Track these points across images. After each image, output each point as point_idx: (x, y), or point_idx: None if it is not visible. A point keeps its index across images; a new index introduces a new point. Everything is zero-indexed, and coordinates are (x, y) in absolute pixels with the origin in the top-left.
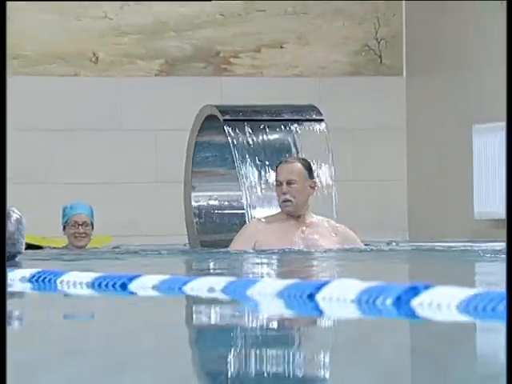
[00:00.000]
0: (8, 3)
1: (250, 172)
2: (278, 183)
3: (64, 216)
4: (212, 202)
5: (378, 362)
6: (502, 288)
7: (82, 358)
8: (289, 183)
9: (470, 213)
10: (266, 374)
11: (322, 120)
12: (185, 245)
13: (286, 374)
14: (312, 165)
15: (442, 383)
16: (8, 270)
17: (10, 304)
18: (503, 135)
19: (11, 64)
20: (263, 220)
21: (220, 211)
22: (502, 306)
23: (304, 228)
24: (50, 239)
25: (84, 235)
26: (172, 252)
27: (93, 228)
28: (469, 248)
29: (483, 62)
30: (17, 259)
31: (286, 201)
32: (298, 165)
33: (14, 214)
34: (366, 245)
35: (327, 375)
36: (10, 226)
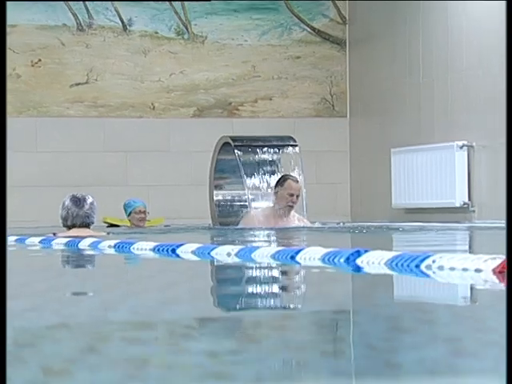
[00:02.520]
0: (94, 70)
1: (250, 178)
2: (291, 194)
3: (130, 207)
4: (227, 197)
5: (333, 294)
6: (414, 251)
7: (143, 294)
8: (297, 196)
9: (389, 204)
10: (261, 298)
11: (296, 145)
12: (209, 225)
13: (272, 300)
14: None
15: (371, 308)
16: (96, 241)
17: (102, 262)
18: (409, 156)
19: (99, 110)
20: (261, 211)
21: (231, 203)
22: (414, 264)
23: (284, 219)
24: (124, 220)
25: (144, 219)
26: (202, 229)
27: (148, 214)
28: (389, 226)
29: (398, 108)
30: (90, 228)
31: (291, 205)
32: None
33: (88, 198)
34: (323, 224)
35: (299, 302)
36: (86, 206)
